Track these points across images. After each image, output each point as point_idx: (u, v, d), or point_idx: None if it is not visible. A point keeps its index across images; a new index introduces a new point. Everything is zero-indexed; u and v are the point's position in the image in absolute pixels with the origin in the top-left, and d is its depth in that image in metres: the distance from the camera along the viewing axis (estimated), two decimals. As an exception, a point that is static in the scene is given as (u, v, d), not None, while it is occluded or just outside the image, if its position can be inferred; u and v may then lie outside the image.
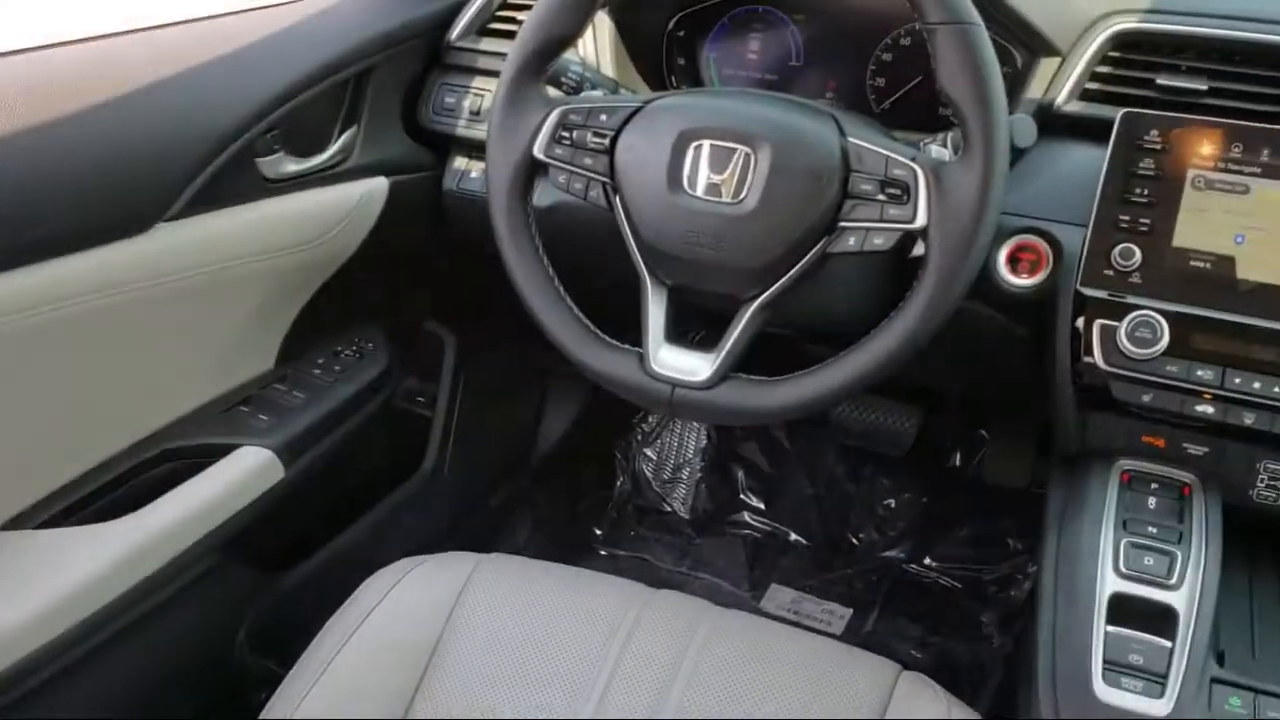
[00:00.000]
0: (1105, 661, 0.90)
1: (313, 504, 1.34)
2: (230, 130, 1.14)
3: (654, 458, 2.07)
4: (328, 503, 1.42)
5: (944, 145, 1.02)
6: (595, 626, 1.05)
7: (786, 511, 2.00)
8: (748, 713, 0.98)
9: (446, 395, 1.62)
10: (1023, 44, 1.14)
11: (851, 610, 1.82)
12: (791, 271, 0.98)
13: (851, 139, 0.97)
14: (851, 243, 0.97)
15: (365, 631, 1.05)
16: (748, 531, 1.99)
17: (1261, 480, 1.05)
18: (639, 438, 2.08)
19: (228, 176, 1.15)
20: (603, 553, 1.94)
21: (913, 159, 0.95)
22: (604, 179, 1.04)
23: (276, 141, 1.21)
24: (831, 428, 1.90)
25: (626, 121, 1.03)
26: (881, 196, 0.95)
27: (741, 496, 2.04)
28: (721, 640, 1.04)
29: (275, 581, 1.34)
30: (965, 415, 1.86)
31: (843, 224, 0.97)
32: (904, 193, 0.94)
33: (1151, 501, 1.03)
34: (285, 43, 1.25)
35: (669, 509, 2.04)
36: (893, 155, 0.95)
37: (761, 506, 2.02)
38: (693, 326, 1.11)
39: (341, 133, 1.30)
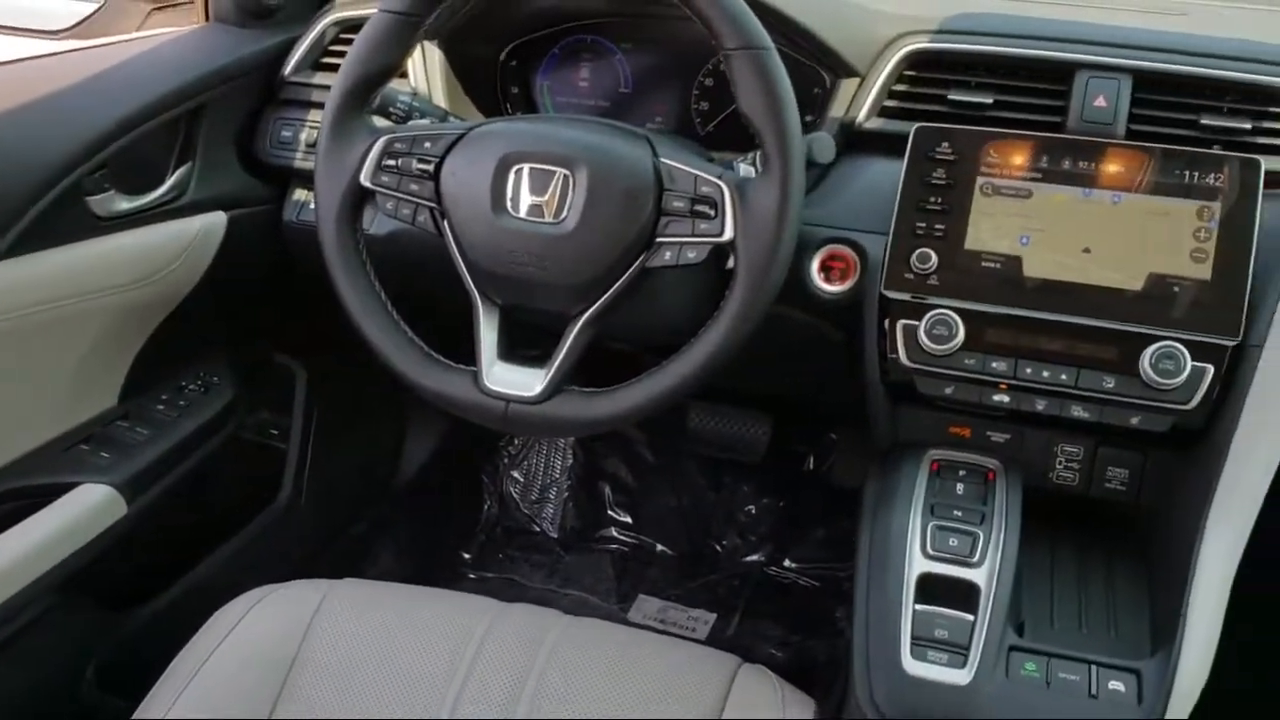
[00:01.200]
0: (913, 637, 0.97)
1: (161, 540, 1.34)
2: (56, 169, 1.14)
3: (521, 479, 2.10)
4: (177, 538, 1.42)
5: (751, 164, 1.08)
6: (446, 641, 1.08)
7: (653, 524, 2.05)
8: (593, 713, 1.01)
9: (299, 426, 1.63)
10: (825, 66, 1.21)
11: (715, 615, 1.87)
12: (615, 286, 1.03)
13: (664, 159, 1.03)
14: (668, 257, 1.02)
15: (214, 663, 1.06)
16: (615, 546, 2.04)
17: (1059, 462, 1.13)
18: (505, 460, 2.10)
19: (56, 215, 1.14)
20: (471, 576, 1.96)
21: (719, 177, 1.01)
22: (431, 204, 1.07)
23: (107, 179, 1.21)
24: (689, 439, 1.96)
25: (450, 148, 1.07)
26: (692, 213, 1.01)
27: (609, 512, 2.08)
28: (569, 647, 1.08)
29: (124, 619, 1.33)
30: (815, 420, 1.93)
31: (659, 239, 1.02)
32: (712, 208, 1.00)
33: (959, 487, 1.10)
34: (114, 80, 1.26)
35: (538, 529, 2.07)
36: (701, 174, 1.01)
37: (629, 521, 2.06)
38: (538, 344, 1.15)
39: (176, 169, 1.31)
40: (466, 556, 1.99)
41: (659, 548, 2.02)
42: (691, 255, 1.02)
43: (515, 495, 2.09)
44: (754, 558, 1.99)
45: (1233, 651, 0.98)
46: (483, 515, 2.06)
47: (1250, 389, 0.98)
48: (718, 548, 2.01)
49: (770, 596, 1.92)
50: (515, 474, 2.09)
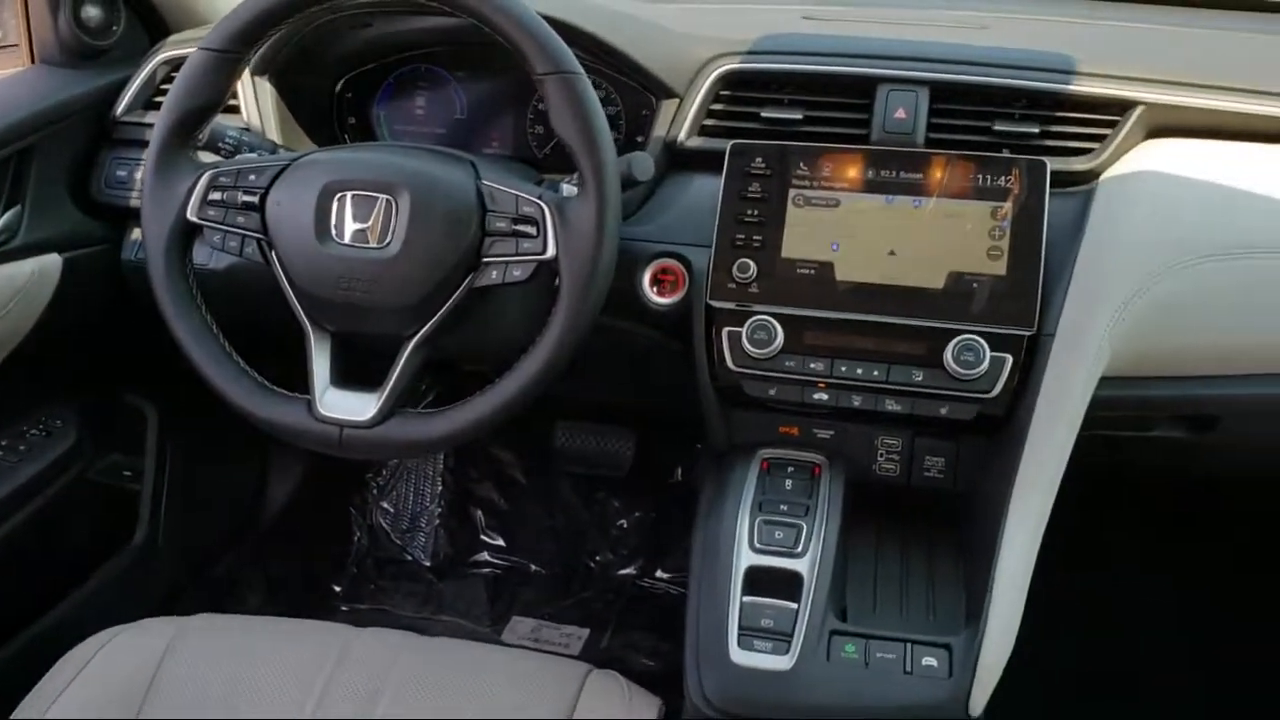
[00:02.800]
0: (741, 628, 1.01)
1: (6, 588, 1.31)
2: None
3: (391, 509, 2.10)
4: (23, 585, 1.39)
5: (573, 183, 1.12)
6: (298, 670, 1.08)
7: (526, 545, 2.06)
8: None
9: (153, 465, 1.61)
10: (645, 88, 1.26)
11: (589, 630, 1.90)
12: (444, 308, 1.06)
13: (485, 182, 1.06)
14: (494, 276, 1.05)
15: (60, 708, 1.05)
16: (489, 569, 2.05)
17: (881, 455, 1.19)
18: (374, 491, 2.10)
19: (-127, 264, 1.13)
20: (343, 608, 1.95)
21: (539, 197, 1.04)
22: (257, 235, 1.09)
23: (-72, 226, 1.20)
24: (557, 458, 1.98)
25: (275, 179, 1.09)
26: (515, 232, 1.04)
27: (482, 536, 2.09)
28: (422, 666, 1.10)
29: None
30: (679, 431, 1.98)
31: (484, 259, 1.05)
32: (534, 227, 1.04)
33: (788, 483, 1.15)
34: (-67, 126, 1.25)
35: (410, 558, 2.07)
36: (522, 194, 1.05)
37: (502, 543, 2.07)
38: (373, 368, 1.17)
39: (4, 212, 1.29)
40: (337, 589, 1.98)
41: (533, 568, 2.04)
42: (517, 273, 1.05)
43: (385, 525, 2.08)
44: (627, 571, 2.02)
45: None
46: (353, 547, 2.06)
47: (1045, 376, 1.05)
48: (591, 564, 2.03)
49: (643, 608, 1.95)
50: (385, 504, 2.09)
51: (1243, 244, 1.06)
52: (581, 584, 2.01)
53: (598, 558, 2.04)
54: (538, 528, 2.07)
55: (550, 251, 1.03)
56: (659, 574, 2.01)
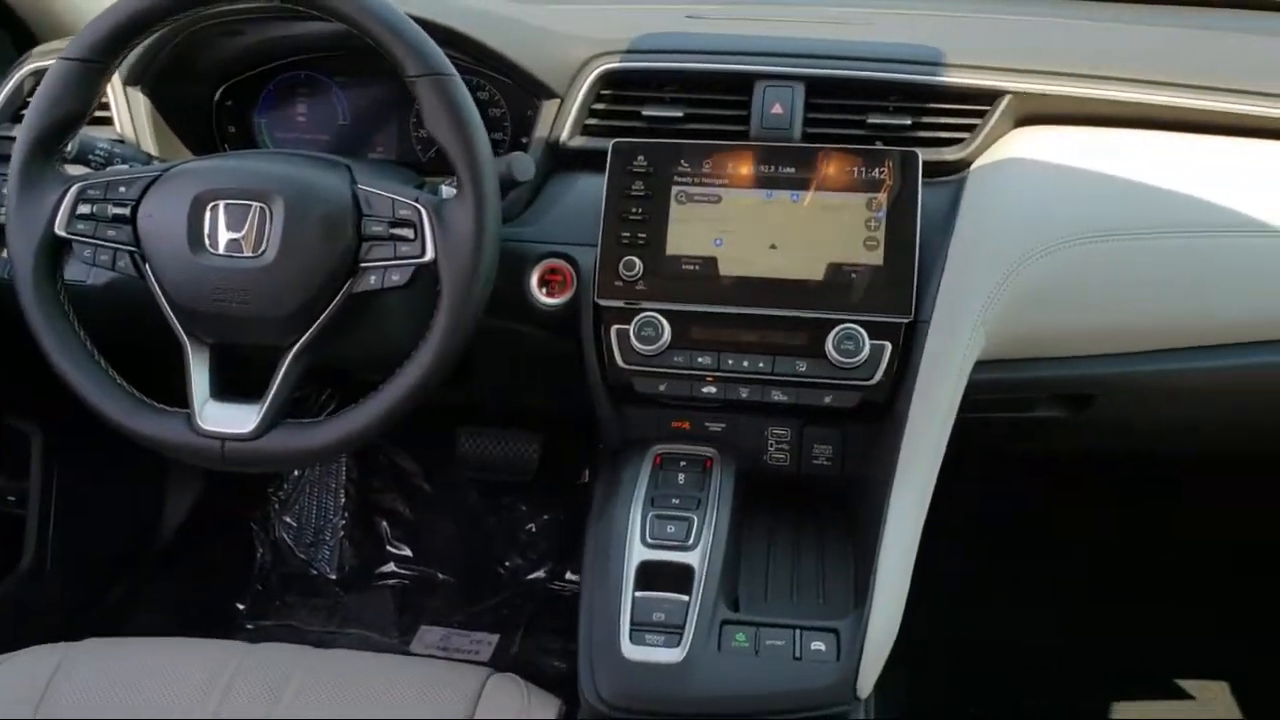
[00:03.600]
0: (633, 624, 1.01)
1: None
2: None
3: (294, 523, 2.07)
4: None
5: (452, 185, 1.11)
6: (191, 689, 1.06)
7: (433, 553, 2.05)
8: None
9: (38, 489, 1.56)
10: (526, 89, 1.26)
11: (499, 636, 1.89)
12: (323, 315, 1.05)
13: (361, 186, 1.05)
14: (373, 281, 1.04)
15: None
16: (396, 580, 2.03)
17: (771, 445, 1.21)
18: (276, 506, 2.06)
19: None
20: (248, 626, 1.91)
21: (416, 199, 1.04)
22: (130, 248, 1.06)
23: None
24: (461, 465, 1.97)
25: (146, 190, 1.06)
26: (392, 236, 1.03)
27: (388, 547, 2.06)
28: (317, 679, 1.08)
29: None
30: (583, 432, 1.98)
31: (362, 264, 1.04)
32: (412, 230, 1.03)
33: (680, 477, 1.16)
34: None
35: (315, 572, 2.04)
36: (398, 198, 1.04)
37: (409, 553, 2.05)
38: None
39: None
40: (241, 608, 1.94)
41: (440, 576, 2.02)
42: (396, 278, 1.04)
43: (289, 540, 2.05)
44: (536, 575, 2.01)
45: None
46: (256, 564, 2.02)
47: (921, 362, 1.07)
48: (500, 569, 2.02)
49: (553, 611, 1.95)
50: (287, 519, 2.06)
51: (1103, 228, 1.10)
52: (491, 590, 1.99)
53: (506, 563, 2.03)
54: (444, 536, 2.05)
55: (429, 255, 1.02)
56: (569, 576, 2.01)
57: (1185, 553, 1.94)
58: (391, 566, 2.04)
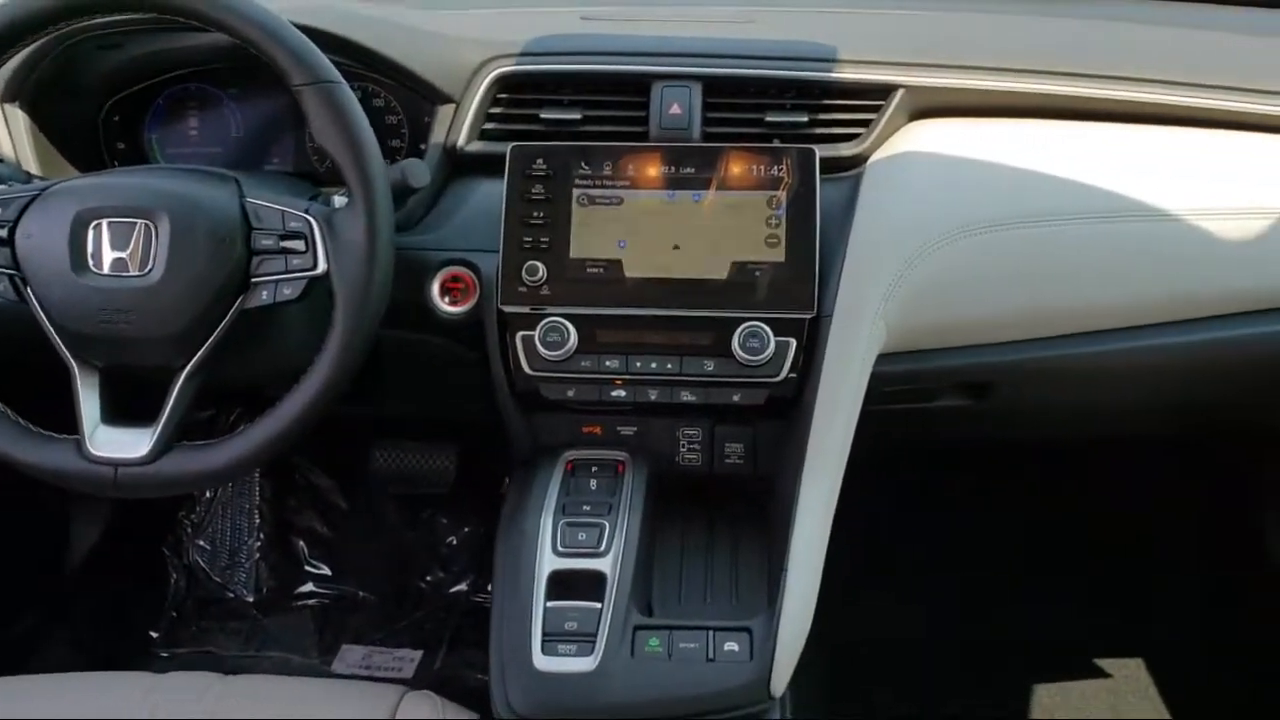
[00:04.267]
0: (544, 634, 1.00)
1: None
2: None
3: (208, 547, 2.01)
4: None
5: (345, 195, 1.09)
6: None
7: (353, 571, 2.01)
8: None
9: (-72, 526, 1.50)
10: (419, 95, 1.24)
11: (422, 652, 1.86)
12: (215, 334, 1.02)
13: (249, 199, 1.03)
14: (264, 296, 1.02)
15: None
16: (315, 600, 1.98)
17: (683, 446, 1.20)
18: (188, 529, 2.01)
19: None
20: (163, 654, 1.86)
21: (306, 210, 1.02)
22: (10, 271, 1.03)
23: None
24: (377, 479, 1.94)
25: (24, 210, 1.03)
26: (283, 249, 1.01)
27: (306, 567, 2.02)
28: (227, 705, 1.05)
29: None
30: (500, 440, 1.96)
31: (254, 279, 1.02)
32: (303, 242, 1.01)
33: (592, 483, 1.15)
34: None
35: (232, 595, 1.99)
36: (288, 210, 1.02)
37: (327, 572, 2.01)
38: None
39: None
40: (155, 636, 1.89)
41: (361, 594, 1.98)
42: (289, 292, 1.02)
43: (204, 564, 1.99)
44: (459, 588, 1.98)
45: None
46: (169, 590, 1.96)
47: (825, 356, 1.08)
48: (421, 584, 1.99)
49: (477, 624, 1.91)
50: (201, 542, 2.00)
51: (996, 218, 1.11)
52: (413, 606, 1.96)
53: (428, 578, 2.00)
54: (364, 553, 2.01)
55: (321, 266, 1.00)
56: (490, 588, 1.98)
57: (1091, 534, 1.98)
58: (310, 586, 2.00)
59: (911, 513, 1.93)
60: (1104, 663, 1.89)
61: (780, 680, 0.98)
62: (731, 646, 0.99)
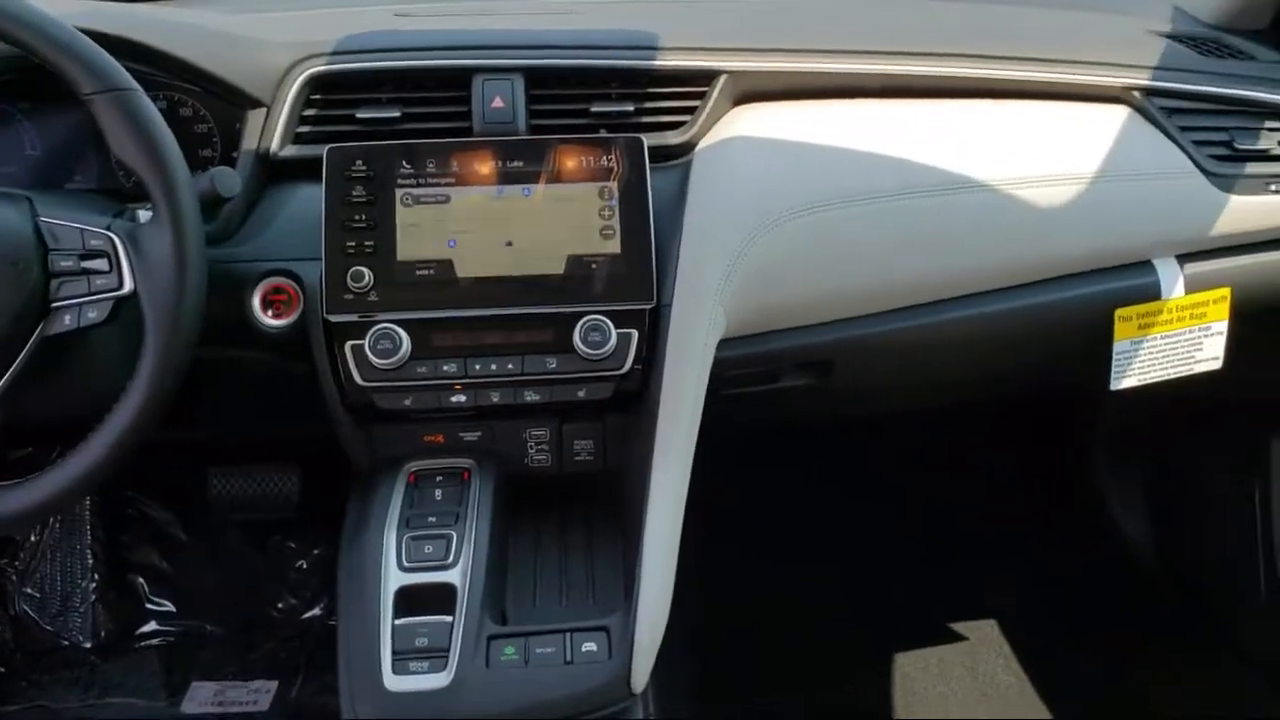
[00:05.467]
0: (394, 653, 0.97)
1: None
2: None
3: (37, 594, 1.88)
4: None
5: (149, 209, 1.03)
6: None
7: (199, 605, 1.91)
8: None
9: None
10: (227, 100, 1.18)
11: (278, 682, 1.78)
12: (16, 364, 0.94)
13: (44, 218, 0.96)
14: (68, 321, 0.95)
15: None
16: (160, 639, 1.88)
17: (531, 448, 1.18)
18: (13, 578, 1.88)
19: None
20: (-8, 715, 1.74)
21: (107, 227, 0.95)
22: None
23: None
24: (216, 508, 1.85)
25: None
26: (84, 270, 0.94)
27: (148, 605, 1.91)
28: None
29: None
30: (342, 457, 1.89)
31: (54, 304, 0.95)
32: (106, 261, 0.94)
33: (437, 494, 1.11)
34: None
35: (66, 643, 1.87)
36: (87, 227, 0.95)
37: (171, 609, 1.91)
38: None
39: None
40: (-19, 694, 1.76)
41: (209, 628, 1.89)
42: (94, 315, 0.95)
43: (32, 612, 1.87)
44: (312, 613, 1.91)
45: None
46: (-5, 644, 1.83)
47: (668, 345, 1.07)
48: (273, 612, 1.91)
49: (333, 648, 1.83)
50: (28, 589, 1.87)
51: (823, 198, 1.12)
52: (265, 635, 1.88)
53: (279, 605, 1.92)
54: (209, 585, 1.91)
55: (127, 286, 0.94)
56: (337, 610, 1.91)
57: (939, 503, 2.04)
58: (153, 625, 1.89)
59: (762, 495, 1.95)
60: (960, 626, 1.95)
61: (640, 676, 0.96)
62: (590, 646, 0.98)
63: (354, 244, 1.09)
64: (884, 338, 1.20)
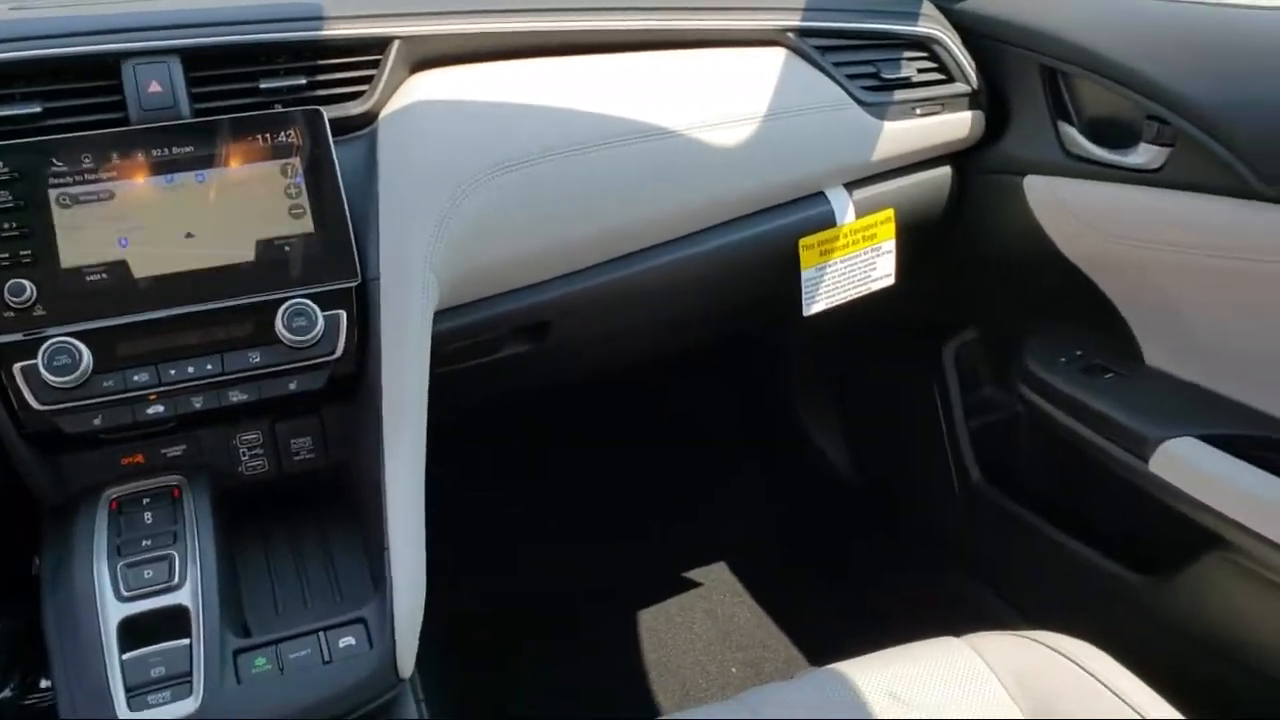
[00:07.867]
0: (128, 689, 0.87)
1: None
2: None
3: None
4: None
5: None
6: None
7: None
8: None
9: None
10: None
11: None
12: None
13: None
14: None
15: None
16: None
17: (243, 454, 1.09)
18: None
19: None
20: None
21: None
22: None
23: None
24: None
25: None
26: None
27: None
28: None
29: None
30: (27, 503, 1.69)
31: None
32: None
33: (147, 516, 1.01)
34: None
35: None
36: None
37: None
38: None
39: None
40: None
41: None
42: None
43: None
44: (3, 696, 1.69)
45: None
46: None
47: (382, 322, 1.02)
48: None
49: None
50: None
51: (511, 157, 1.11)
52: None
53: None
54: None
55: None
56: (45, 684, 1.71)
57: (663, 455, 2.10)
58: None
59: (497, 465, 1.94)
60: (695, 574, 2.01)
61: (406, 662, 0.92)
62: (348, 641, 0.92)
63: (8, 255, 0.96)
64: (594, 291, 1.21)
